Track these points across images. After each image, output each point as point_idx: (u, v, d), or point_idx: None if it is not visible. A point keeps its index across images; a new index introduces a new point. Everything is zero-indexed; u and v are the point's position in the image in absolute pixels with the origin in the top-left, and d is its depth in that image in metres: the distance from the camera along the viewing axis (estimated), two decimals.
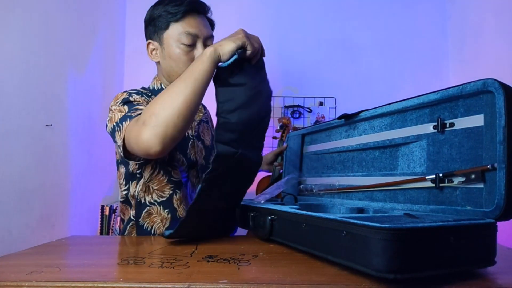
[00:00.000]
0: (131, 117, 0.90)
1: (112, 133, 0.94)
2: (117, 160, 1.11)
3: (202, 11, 1.09)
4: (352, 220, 0.58)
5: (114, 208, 1.72)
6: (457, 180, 0.74)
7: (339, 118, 1.10)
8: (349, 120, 1.07)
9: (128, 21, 2.07)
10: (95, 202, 1.72)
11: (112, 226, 1.69)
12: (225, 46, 0.83)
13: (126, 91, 1.04)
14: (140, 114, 0.87)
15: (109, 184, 1.87)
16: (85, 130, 1.60)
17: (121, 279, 0.56)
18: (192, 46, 1.06)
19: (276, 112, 1.96)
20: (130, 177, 1.07)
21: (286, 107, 1.95)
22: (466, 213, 0.71)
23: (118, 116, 0.93)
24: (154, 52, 1.11)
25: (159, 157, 0.89)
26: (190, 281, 0.55)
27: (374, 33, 2.02)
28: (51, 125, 1.30)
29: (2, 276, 0.58)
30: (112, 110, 0.99)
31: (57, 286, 0.55)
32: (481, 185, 0.69)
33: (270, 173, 1.49)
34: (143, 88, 1.14)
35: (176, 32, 1.05)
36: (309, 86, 1.99)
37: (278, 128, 1.70)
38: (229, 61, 0.83)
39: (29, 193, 1.18)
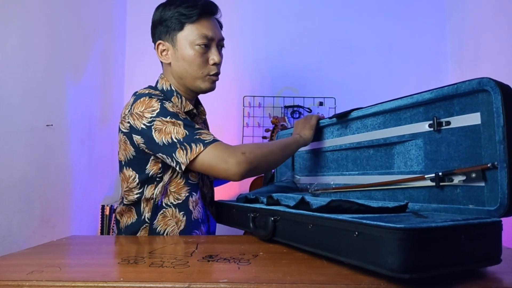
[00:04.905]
0: (204, 142, 0.94)
1: (167, 147, 0.95)
2: (122, 162, 1.07)
3: (215, 12, 1.10)
4: (365, 221, 0.57)
5: (115, 208, 1.72)
6: (457, 179, 0.74)
7: (331, 117, 1.11)
8: (341, 119, 1.07)
9: (129, 22, 2.07)
10: (96, 202, 1.72)
11: (113, 226, 1.69)
12: (308, 135, 1.13)
13: (150, 96, 1.00)
14: (212, 138, 0.96)
15: (109, 184, 1.87)
16: (85, 130, 1.60)
17: (121, 279, 0.56)
18: (206, 48, 1.06)
19: (276, 112, 1.96)
20: (147, 181, 1.04)
21: (286, 107, 1.95)
22: (469, 211, 0.71)
23: (174, 131, 0.95)
24: (164, 53, 1.09)
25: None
26: (191, 281, 0.55)
27: (373, 33, 2.02)
28: (52, 125, 1.30)
29: (2, 276, 0.58)
30: (145, 117, 0.96)
31: (57, 285, 0.55)
32: (482, 184, 0.69)
33: (263, 174, 1.48)
34: (150, 87, 1.11)
35: (191, 34, 1.05)
36: (309, 86, 1.99)
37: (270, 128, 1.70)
38: None
39: (29, 193, 1.18)
